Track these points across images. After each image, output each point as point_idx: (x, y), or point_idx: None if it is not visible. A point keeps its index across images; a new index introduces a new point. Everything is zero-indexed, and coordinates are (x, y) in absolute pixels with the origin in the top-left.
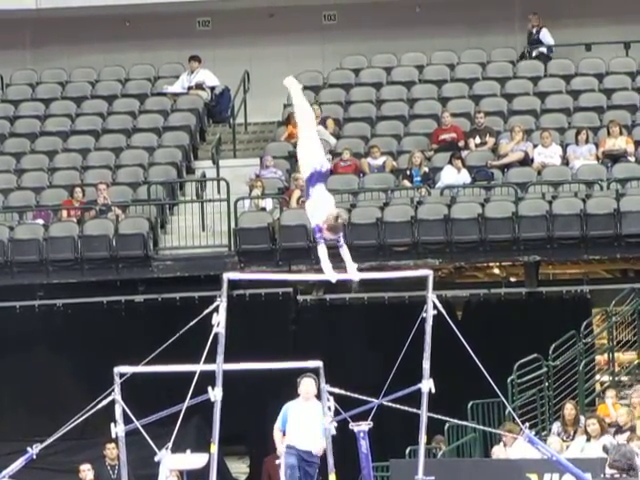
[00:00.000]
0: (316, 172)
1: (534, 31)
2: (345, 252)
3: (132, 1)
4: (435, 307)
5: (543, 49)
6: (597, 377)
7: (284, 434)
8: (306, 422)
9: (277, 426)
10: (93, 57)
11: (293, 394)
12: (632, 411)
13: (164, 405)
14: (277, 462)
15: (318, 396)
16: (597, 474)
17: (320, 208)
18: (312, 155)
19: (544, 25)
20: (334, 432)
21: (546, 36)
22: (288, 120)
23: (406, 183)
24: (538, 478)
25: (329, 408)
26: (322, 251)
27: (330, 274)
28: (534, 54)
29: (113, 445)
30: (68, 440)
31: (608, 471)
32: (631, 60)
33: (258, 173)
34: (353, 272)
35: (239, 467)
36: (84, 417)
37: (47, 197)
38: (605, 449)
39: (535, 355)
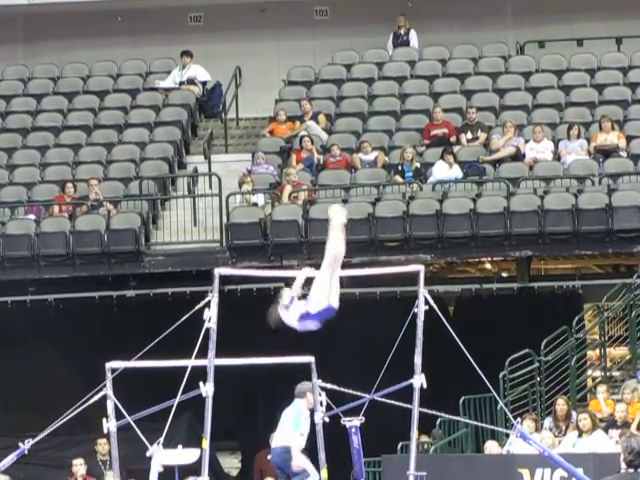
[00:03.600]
0: (325, 311)
1: (402, 32)
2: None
3: None
4: (427, 302)
5: (412, 50)
6: (589, 372)
7: None
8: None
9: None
10: (85, 52)
11: (285, 389)
12: (629, 407)
13: (156, 400)
14: (268, 457)
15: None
16: (589, 468)
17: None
18: (330, 294)
19: (411, 27)
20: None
21: (413, 37)
22: (276, 116)
23: (398, 178)
24: (530, 473)
25: (321, 403)
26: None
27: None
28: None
29: (104, 440)
30: (60, 435)
31: (624, 467)
32: (623, 55)
33: (250, 168)
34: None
35: (231, 462)
36: (76, 412)
37: (39, 192)
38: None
39: (527, 350)
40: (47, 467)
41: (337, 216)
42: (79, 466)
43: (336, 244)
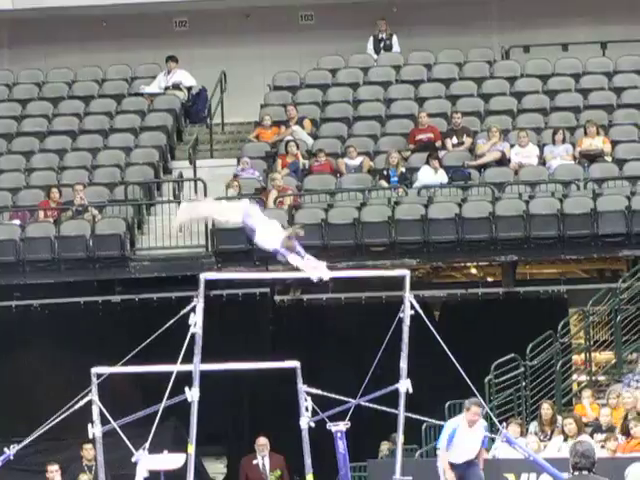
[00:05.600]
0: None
1: (383, 36)
2: (310, 259)
3: (109, 1)
4: (412, 307)
5: (397, 55)
6: (574, 377)
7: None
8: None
9: (443, 446)
10: (70, 57)
11: (270, 394)
12: (613, 411)
13: (141, 405)
14: (254, 462)
15: None
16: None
17: (270, 235)
18: (232, 211)
19: (393, 32)
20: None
21: (395, 44)
22: (261, 121)
23: (383, 183)
24: (515, 478)
25: (306, 408)
26: (293, 259)
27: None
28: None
29: (90, 446)
30: (46, 441)
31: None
32: (608, 60)
33: (236, 173)
34: (324, 270)
35: (216, 467)
36: (61, 418)
37: (24, 198)
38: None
39: (512, 355)
40: (33, 472)
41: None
42: (54, 472)
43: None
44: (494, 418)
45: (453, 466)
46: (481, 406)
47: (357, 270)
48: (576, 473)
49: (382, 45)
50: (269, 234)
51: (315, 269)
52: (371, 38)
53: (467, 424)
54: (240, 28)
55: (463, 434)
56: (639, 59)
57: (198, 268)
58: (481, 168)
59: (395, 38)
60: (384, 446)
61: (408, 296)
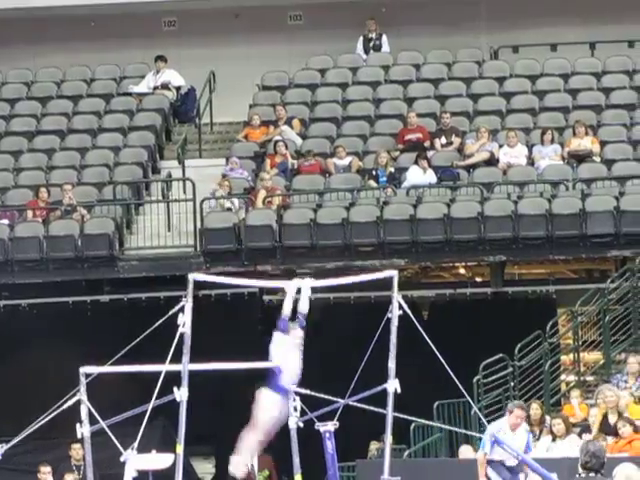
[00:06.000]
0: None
1: (373, 36)
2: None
3: (97, 1)
4: (401, 307)
5: (386, 55)
6: (562, 377)
7: None
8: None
9: (485, 451)
10: (58, 57)
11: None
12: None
13: (130, 405)
14: None
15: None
16: (563, 473)
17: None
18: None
19: (383, 32)
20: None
21: (385, 44)
22: (250, 120)
23: (372, 183)
24: None
25: (295, 408)
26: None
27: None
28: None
29: (79, 445)
30: (35, 440)
31: (581, 471)
32: (596, 60)
33: (225, 173)
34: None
35: (205, 467)
36: (50, 417)
37: (12, 197)
38: None
39: (501, 355)
40: (23, 472)
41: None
42: (47, 474)
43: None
44: (482, 418)
45: (494, 464)
46: (524, 409)
47: (344, 274)
48: (583, 474)
49: (371, 45)
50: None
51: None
52: (361, 38)
53: (510, 427)
54: (229, 28)
55: (506, 437)
56: (628, 60)
57: (187, 268)
58: (470, 168)
59: (385, 38)
60: (373, 446)
61: (396, 296)
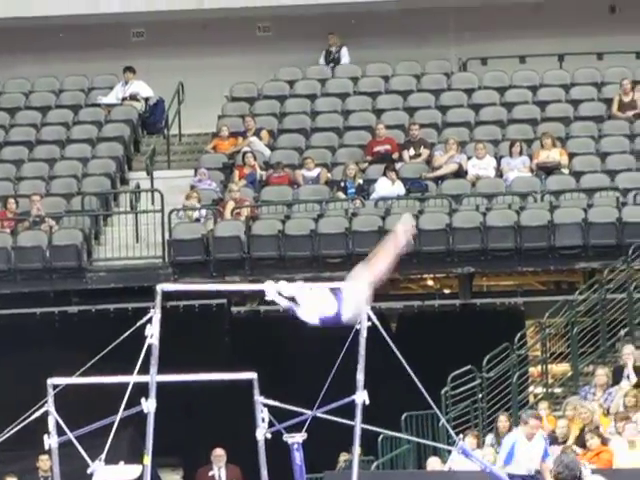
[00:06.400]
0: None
1: (333, 50)
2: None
3: (66, 12)
4: (369, 319)
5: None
6: (531, 389)
7: None
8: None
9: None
10: (27, 68)
11: (227, 406)
12: (569, 424)
13: (98, 416)
14: (210, 474)
15: None
16: None
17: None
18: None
19: (344, 44)
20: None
21: (345, 56)
22: (219, 132)
23: (340, 195)
24: None
25: (263, 420)
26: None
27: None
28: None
29: (46, 457)
30: (2, 452)
31: None
32: (565, 72)
33: (194, 184)
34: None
35: (172, 479)
36: (17, 429)
37: None
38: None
39: (469, 367)
40: None
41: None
42: None
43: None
44: (450, 430)
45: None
46: (539, 417)
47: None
48: None
49: (331, 58)
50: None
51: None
52: (324, 52)
53: (526, 437)
54: (198, 39)
55: (522, 447)
56: (596, 72)
57: (155, 279)
58: (438, 180)
59: (345, 50)
60: (342, 457)
61: (365, 308)
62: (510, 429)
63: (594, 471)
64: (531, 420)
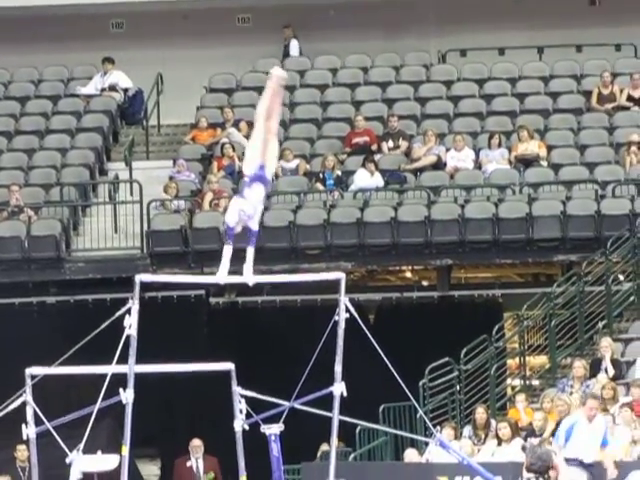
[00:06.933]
0: (259, 171)
1: (286, 43)
2: (250, 253)
3: (45, 2)
4: (347, 310)
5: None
6: (508, 381)
7: None
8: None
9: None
10: (6, 58)
11: (204, 396)
12: (547, 416)
13: (76, 407)
14: (188, 464)
15: None
16: (508, 477)
17: (244, 205)
18: (264, 152)
19: (295, 36)
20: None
21: (294, 48)
22: (197, 123)
23: (319, 186)
24: None
25: (240, 411)
26: (227, 251)
27: (222, 275)
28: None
29: (24, 447)
30: None
31: (525, 475)
32: (544, 65)
33: (172, 175)
34: (248, 275)
35: (150, 469)
36: None
37: None
38: (524, 449)
39: (447, 359)
40: None
41: (275, 72)
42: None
43: (268, 99)
44: (428, 422)
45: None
46: (597, 398)
47: (290, 275)
48: (525, 477)
49: (282, 52)
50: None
51: (224, 274)
52: (282, 46)
53: (587, 419)
54: (177, 30)
55: (582, 429)
56: (575, 64)
57: (133, 270)
58: (417, 172)
59: (294, 43)
60: (323, 448)
61: (343, 299)
62: (488, 421)
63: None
64: (589, 401)
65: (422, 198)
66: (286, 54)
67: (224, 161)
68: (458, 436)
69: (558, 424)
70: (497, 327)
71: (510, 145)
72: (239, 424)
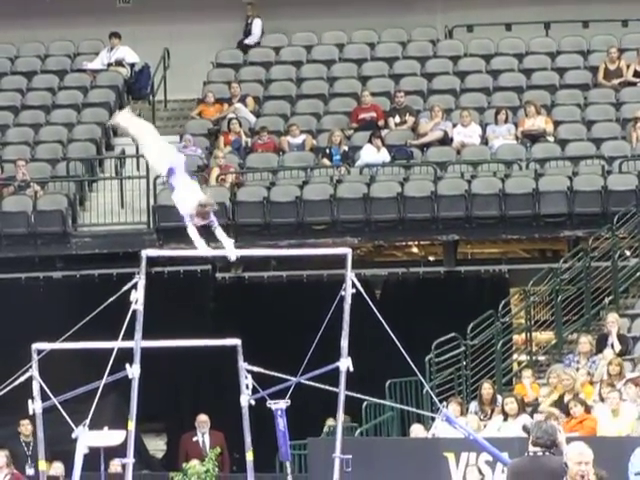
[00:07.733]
0: (172, 167)
1: (249, 21)
2: (220, 233)
3: None
4: (354, 286)
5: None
6: (514, 357)
7: None
8: None
9: None
10: (12, 33)
11: (210, 372)
12: (553, 391)
13: (82, 382)
14: (194, 439)
15: None
16: (515, 452)
17: (187, 197)
18: (160, 154)
19: (258, 15)
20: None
21: (256, 26)
22: (204, 98)
23: (325, 162)
24: (455, 457)
25: (247, 386)
26: (192, 231)
27: (204, 249)
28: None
29: (28, 422)
30: None
31: (531, 449)
32: (551, 40)
33: (179, 150)
34: (230, 249)
35: (156, 444)
36: (1, 394)
37: None
38: (525, 429)
39: (453, 334)
40: None
41: (122, 118)
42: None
43: (135, 127)
44: (434, 397)
45: None
46: None
47: (297, 249)
48: (532, 451)
49: (247, 30)
50: (187, 196)
51: (205, 248)
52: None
53: None
54: (184, 5)
55: None
56: (582, 40)
57: (139, 245)
58: (423, 147)
59: (257, 22)
60: (329, 423)
61: (350, 274)
62: (494, 396)
63: (574, 439)
64: None
65: (429, 174)
66: (247, 33)
67: (231, 136)
68: (464, 411)
69: (561, 397)
70: (503, 302)
71: (517, 121)
72: (245, 399)
